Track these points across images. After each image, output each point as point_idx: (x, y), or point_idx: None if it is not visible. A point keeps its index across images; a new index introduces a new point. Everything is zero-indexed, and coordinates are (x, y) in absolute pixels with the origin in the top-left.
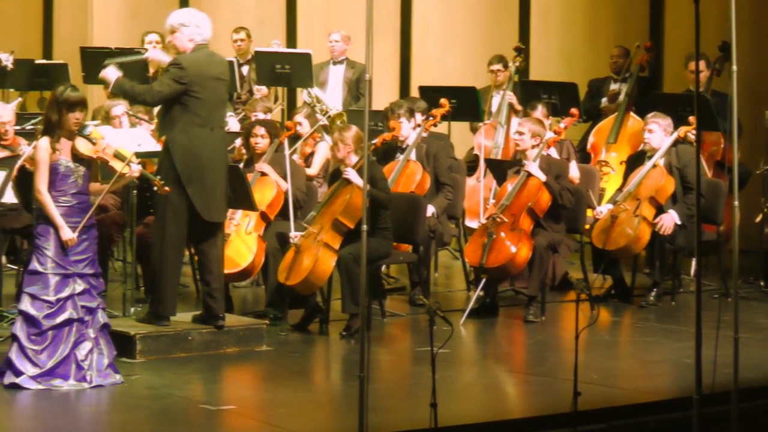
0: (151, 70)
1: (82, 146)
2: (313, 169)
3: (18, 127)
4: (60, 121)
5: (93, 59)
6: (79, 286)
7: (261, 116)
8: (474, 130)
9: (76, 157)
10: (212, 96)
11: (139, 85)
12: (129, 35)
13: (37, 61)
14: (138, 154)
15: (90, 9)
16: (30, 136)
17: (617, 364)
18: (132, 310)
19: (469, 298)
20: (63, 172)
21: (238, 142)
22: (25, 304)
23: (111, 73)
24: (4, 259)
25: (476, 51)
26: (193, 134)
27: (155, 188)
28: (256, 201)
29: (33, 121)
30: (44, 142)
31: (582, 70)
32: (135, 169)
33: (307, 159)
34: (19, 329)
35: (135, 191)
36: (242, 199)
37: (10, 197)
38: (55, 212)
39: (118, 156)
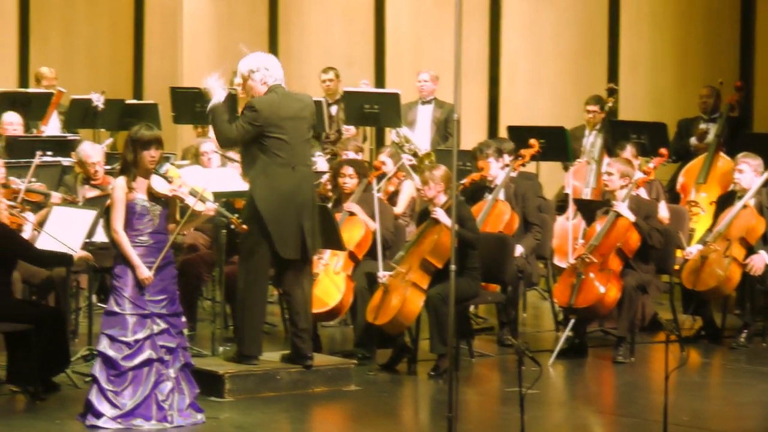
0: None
1: (158, 185)
2: (399, 208)
3: (108, 167)
4: (135, 160)
5: (182, 99)
6: (158, 326)
7: (352, 155)
8: (566, 169)
9: (153, 196)
10: (292, 135)
11: (224, 123)
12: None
13: (128, 101)
14: (217, 193)
15: (180, 49)
16: None
17: (707, 406)
18: (221, 349)
19: (558, 338)
20: (139, 211)
21: (325, 178)
22: (104, 346)
23: (216, 90)
24: (94, 297)
25: (565, 92)
26: (273, 173)
27: (233, 226)
28: (345, 240)
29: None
30: (120, 181)
31: (671, 110)
32: (210, 207)
33: (391, 198)
34: (98, 370)
35: (224, 230)
36: (331, 238)
37: (100, 236)
38: (131, 251)
39: (193, 194)
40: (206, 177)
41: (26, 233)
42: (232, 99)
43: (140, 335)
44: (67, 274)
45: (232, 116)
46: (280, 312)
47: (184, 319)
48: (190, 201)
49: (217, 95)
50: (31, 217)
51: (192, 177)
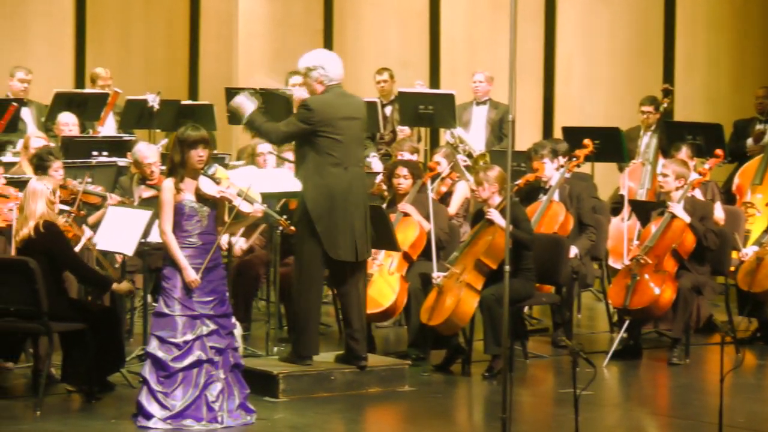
0: (295, 110)
1: (206, 186)
2: (452, 209)
3: (164, 167)
4: (182, 161)
5: None
6: (207, 327)
7: (407, 156)
8: (621, 170)
9: (201, 197)
10: (346, 135)
11: (267, 123)
12: (274, 75)
13: (183, 102)
14: (266, 194)
15: (235, 50)
16: None
17: (763, 408)
18: (275, 349)
19: (613, 339)
20: (188, 212)
21: (378, 178)
22: (153, 347)
23: (245, 104)
24: (149, 297)
25: (619, 92)
26: (325, 173)
27: (281, 228)
28: (399, 241)
29: None
30: (168, 182)
31: (727, 110)
32: (258, 209)
33: (444, 198)
34: (148, 372)
35: (279, 231)
36: (385, 239)
37: (156, 236)
38: (178, 253)
39: (241, 195)
40: (260, 178)
41: (78, 246)
42: (285, 100)
43: (189, 336)
44: (122, 274)
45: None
46: (334, 312)
47: (234, 319)
48: (238, 202)
49: (248, 108)
50: (87, 233)
51: (246, 178)
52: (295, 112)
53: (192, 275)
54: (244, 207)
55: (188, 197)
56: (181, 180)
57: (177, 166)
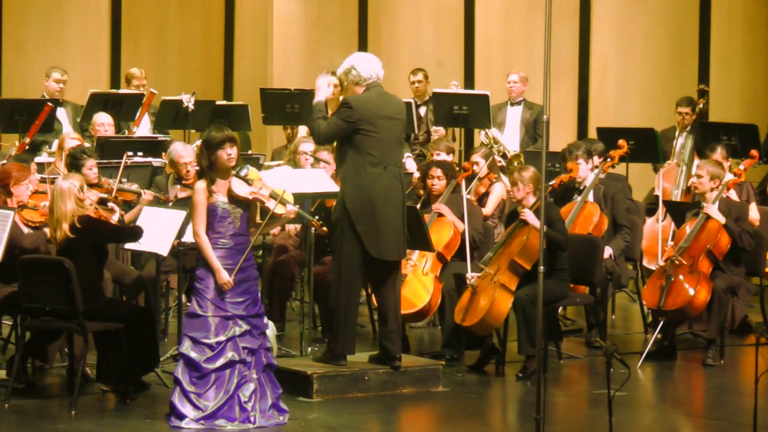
0: (330, 112)
1: (238, 187)
2: (488, 209)
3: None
4: (211, 163)
5: (272, 100)
6: (240, 327)
7: (443, 156)
8: (656, 171)
9: (234, 198)
10: (385, 135)
11: (319, 120)
12: (308, 76)
13: (218, 102)
14: (299, 195)
15: (270, 51)
16: None
17: None
18: (309, 349)
19: (647, 340)
20: (220, 213)
21: (412, 178)
22: (186, 348)
23: (322, 90)
24: (184, 297)
25: (655, 93)
26: (365, 172)
27: (313, 229)
28: (433, 241)
29: None
30: (201, 184)
31: (762, 111)
32: (290, 209)
33: (481, 199)
34: (181, 372)
35: (313, 231)
36: (419, 239)
37: (190, 237)
38: (212, 255)
39: (273, 196)
40: (294, 178)
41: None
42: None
43: (222, 337)
44: (157, 273)
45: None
46: (368, 313)
47: (266, 319)
48: (271, 204)
49: (321, 94)
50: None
51: (279, 178)
52: (336, 111)
53: (225, 277)
54: (277, 209)
55: (221, 199)
56: (212, 182)
57: (206, 170)
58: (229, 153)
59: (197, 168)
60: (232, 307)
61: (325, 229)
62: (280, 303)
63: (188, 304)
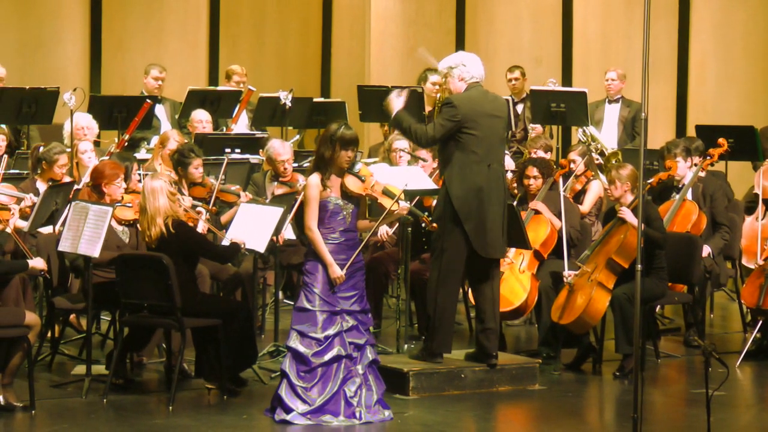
0: (428, 108)
1: (351, 183)
2: (585, 207)
3: (296, 164)
4: (332, 158)
5: (369, 97)
6: (347, 322)
7: (541, 153)
8: (756, 169)
9: (345, 194)
10: (488, 133)
11: (416, 124)
12: (406, 73)
13: (315, 100)
14: (407, 192)
15: (367, 48)
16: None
17: None
18: (405, 346)
19: (746, 340)
20: (332, 209)
21: (509, 176)
22: (294, 342)
23: (393, 102)
24: (281, 294)
25: (754, 91)
26: (470, 171)
27: (423, 225)
28: (530, 239)
29: (310, 159)
30: (315, 178)
31: None
32: (403, 206)
33: (577, 196)
34: (289, 366)
35: (410, 228)
36: (516, 237)
37: (289, 233)
38: (324, 250)
39: (386, 193)
40: (392, 175)
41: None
42: (416, 95)
43: (330, 332)
44: (254, 270)
45: (419, 117)
46: (465, 310)
47: (371, 315)
48: (384, 201)
49: (395, 106)
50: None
51: (379, 175)
52: (439, 113)
53: (338, 272)
54: (388, 204)
55: (333, 195)
56: (327, 177)
57: (326, 162)
58: (350, 155)
59: (316, 158)
60: (341, 302)
61: (435, 225)
62: (376, 300)
63: (285, 300)
